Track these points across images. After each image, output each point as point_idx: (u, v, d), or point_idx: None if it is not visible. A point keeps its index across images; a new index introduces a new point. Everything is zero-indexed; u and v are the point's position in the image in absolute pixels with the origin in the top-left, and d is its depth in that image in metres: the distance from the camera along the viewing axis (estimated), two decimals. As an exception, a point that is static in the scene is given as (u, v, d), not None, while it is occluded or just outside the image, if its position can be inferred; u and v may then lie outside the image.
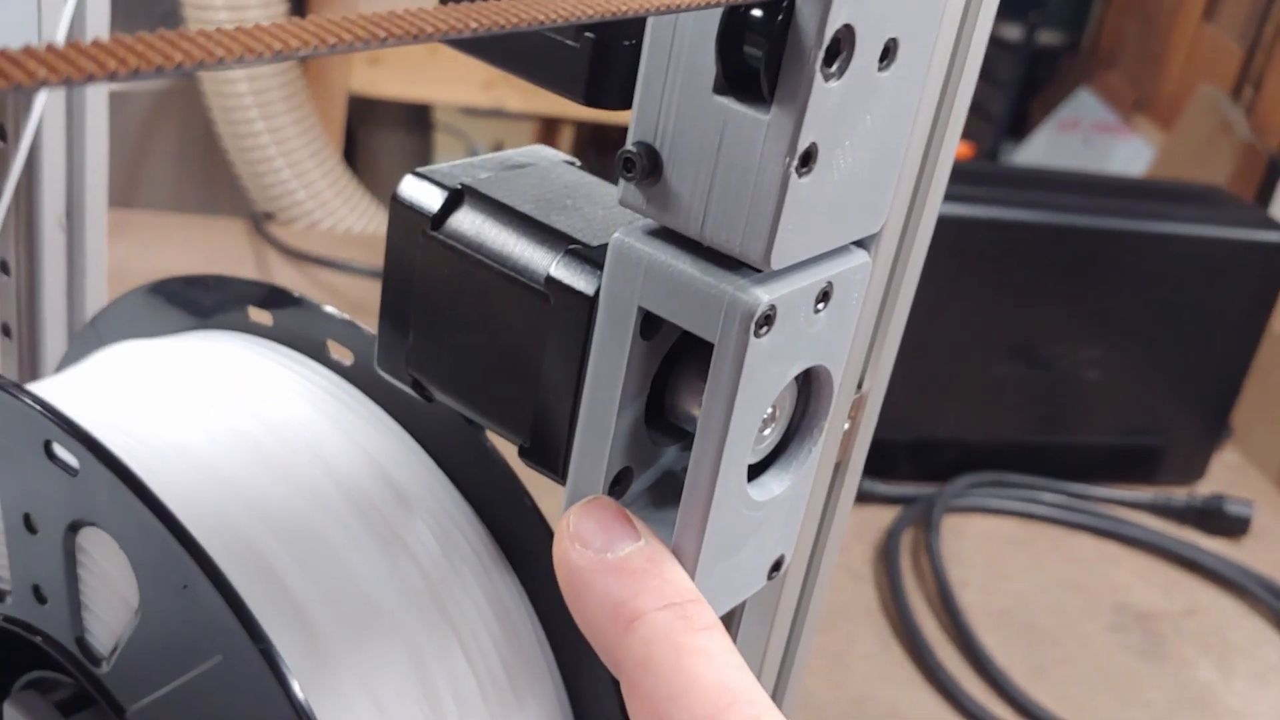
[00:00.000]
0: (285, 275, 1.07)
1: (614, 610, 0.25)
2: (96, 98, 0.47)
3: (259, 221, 1.16)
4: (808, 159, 0.23)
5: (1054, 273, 0.90)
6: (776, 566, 0.30)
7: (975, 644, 0.77)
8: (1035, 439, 0.95)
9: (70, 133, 0.48)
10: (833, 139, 0.23)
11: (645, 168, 0.24)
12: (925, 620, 0.80)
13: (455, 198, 0.29)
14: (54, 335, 0.50)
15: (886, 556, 0.84)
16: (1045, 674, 0.77)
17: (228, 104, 1.34)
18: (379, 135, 1.62)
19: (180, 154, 1.49)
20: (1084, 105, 1.70)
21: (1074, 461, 0.96)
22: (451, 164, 0.30)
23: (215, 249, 1.10)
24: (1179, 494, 0.95)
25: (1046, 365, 0.92)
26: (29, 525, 0.33)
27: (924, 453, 0.92)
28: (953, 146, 0.28)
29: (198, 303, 0.42)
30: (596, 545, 0.26)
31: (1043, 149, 1.71)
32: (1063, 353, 0.92)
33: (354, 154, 1.58)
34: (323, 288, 1.06)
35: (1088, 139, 1.68)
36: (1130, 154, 1.62)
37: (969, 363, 0.91)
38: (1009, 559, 0.87)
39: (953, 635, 0.79)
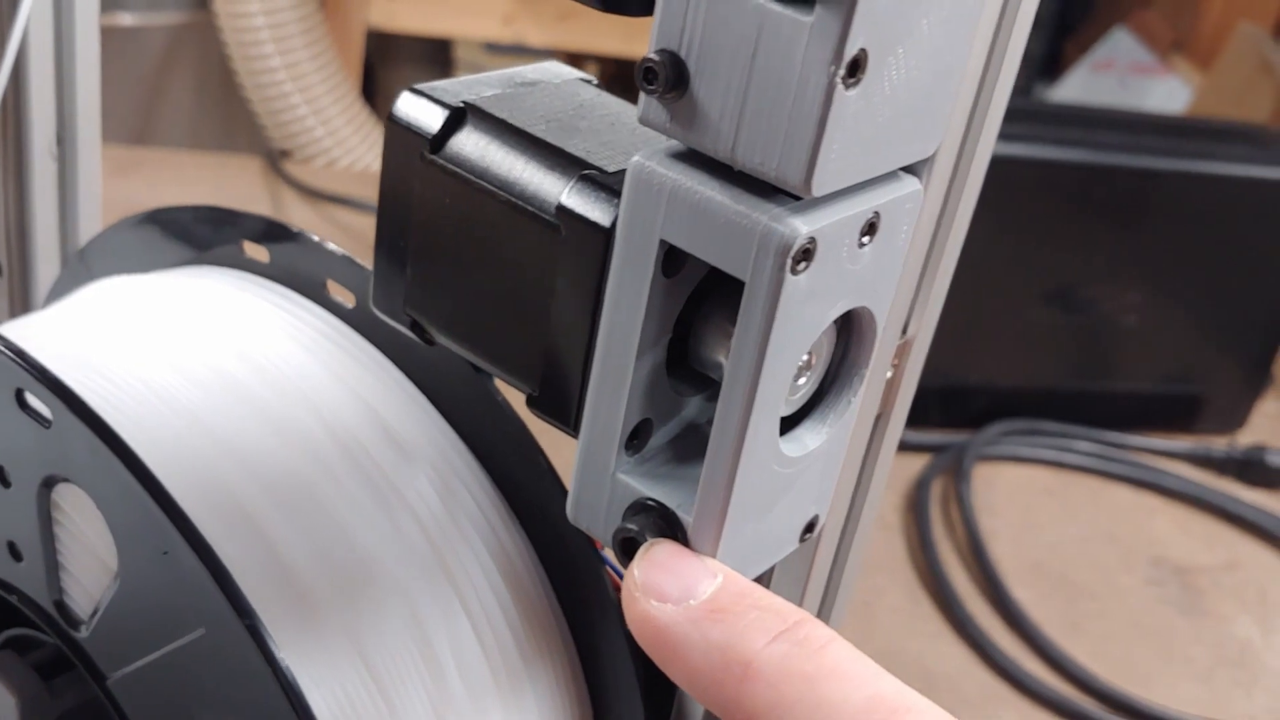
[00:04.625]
0: (301, 214, 1.05)
1: (723, 660, 0.23)
2: (86, 18, 0.45)
3: (275, 159, 1.13)
4: (856, 68, 0.20)
5: (1094, 214, 0.87)
6: (810, 528, 0.27)
7: (1007, 597, 0.75)
8: (1071, 386, 0.92)
9: (59, 55, 0.45)
10: (884, 45, 0.20)
11: (669, 79, 0.21)
12: (955, 572, 0.77)
13: (457, 117, 0.26)
14: (46, 271, 0.48)
15: (916, 506, 0.82)
16: (1080, 629, 0.75)
17: (244, 39, 1.31)
18: (399, 72, 1.59)
19: (196, 90, 1.46)
20: (1120, 45, 1.66)
21: (1111, 409, 0.93)
22: (454, 80, 0.27)
23: (231, 187, 1.08)
24: (1219, 444, 0.93)
25: (1084, 310, 0.89)
26: (2, 478, 0.30)
27: (955, 399, 0.89)
28: (1016, 59, 0.25)
29: (193, 236, 0.39)
30: (675, 594, 0.24)
31: (1077, 90, 1.67)
32: (1101, 297, 0.89)
33: (373, 92, 1.55)
34: (339, 227, 1.04)
35: (1123, 80, 1.64)
36: (1167, 95, 1.59)
37: (1004, 306, 0.88)
38: (1042, 510, 0.85)
39: (984, 588, 0.77)
